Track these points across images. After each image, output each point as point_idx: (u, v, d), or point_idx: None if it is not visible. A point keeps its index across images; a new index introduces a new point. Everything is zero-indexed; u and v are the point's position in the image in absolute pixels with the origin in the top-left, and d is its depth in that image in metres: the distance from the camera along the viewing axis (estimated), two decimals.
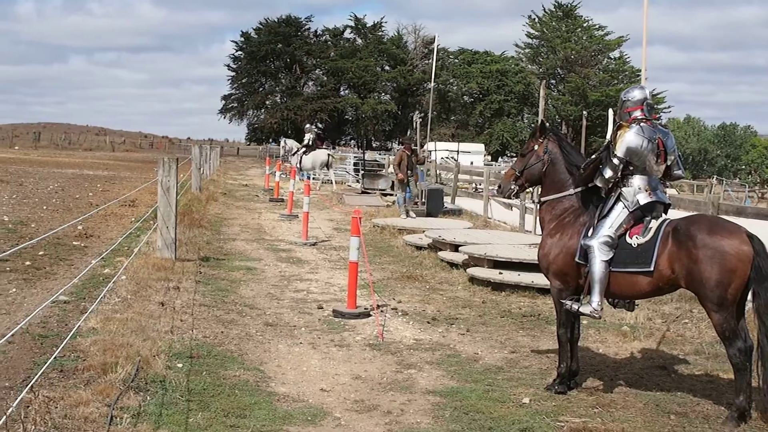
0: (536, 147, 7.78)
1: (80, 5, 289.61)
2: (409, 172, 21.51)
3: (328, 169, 35.63)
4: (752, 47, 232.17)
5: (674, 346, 9.21)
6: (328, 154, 36.36)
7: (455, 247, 14.57)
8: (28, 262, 12.01)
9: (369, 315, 10.18)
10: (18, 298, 9.84)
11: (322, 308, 10.64)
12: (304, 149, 35.32)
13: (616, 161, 7.17)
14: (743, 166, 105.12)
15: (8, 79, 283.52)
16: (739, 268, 6.52)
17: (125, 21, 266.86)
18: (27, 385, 6.09)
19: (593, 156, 7.50)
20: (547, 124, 8.11)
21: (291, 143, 37.37)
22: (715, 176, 72.45)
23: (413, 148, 22.99)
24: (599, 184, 7.37)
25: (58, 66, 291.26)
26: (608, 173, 7.24)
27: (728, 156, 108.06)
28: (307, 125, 40.31)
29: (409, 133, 22.71)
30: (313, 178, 33.97)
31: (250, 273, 13.08)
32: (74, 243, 14.35)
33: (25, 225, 16.39)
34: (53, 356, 6.78)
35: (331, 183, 35.00)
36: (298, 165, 33.88)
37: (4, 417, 5.36)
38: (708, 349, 8.99)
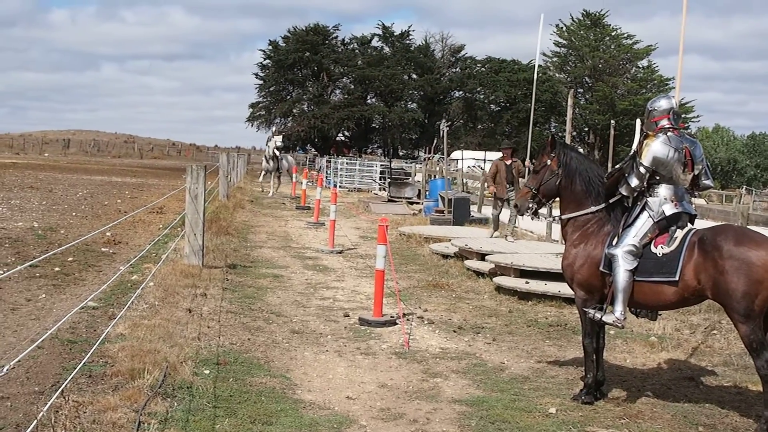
0: (549, 162, 7.75)
1: (113, 13, 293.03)
2: (508, 186, 17.80)
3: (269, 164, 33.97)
4: None
5: (702, 357, 9.14)
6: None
7: (482, 256, 14.54)
8: (57, 268, 12.13)
9: (395, 323, 10.18)
10: (47, 304, 9.93)
11: (348, 316, 10.66)
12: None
13: (642, 170, 7.16)
14: None
15: (40, 86, 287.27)
16: (766, 279, 6.47)
17: (158, 29, 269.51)
18: (56, 390, 6.16)
19: (617, 166, 7.48)
20: (558, 138, 8.08)
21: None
22: (745, 186, 71.78)
23: (513, 158, 18.25)
24: (624, 193, 7.36)
25: (90, 73, 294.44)
26: (634, 182, 7.22)
27: (758, 166, 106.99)
28: (273, 128, 40.14)
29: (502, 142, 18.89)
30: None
31: (277, 280, 13.13)
32: (103, 249, 14.47)
33: (55, 231, 16.54)
34: (82, 362, 6.84)
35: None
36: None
37: (35, 421, 5.41)
38: (737, 360, 8.92)
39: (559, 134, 9.38)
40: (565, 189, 7.65)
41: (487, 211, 25.25)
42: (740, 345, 9.17)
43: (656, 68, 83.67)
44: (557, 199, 7.93)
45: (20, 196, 24.77)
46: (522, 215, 8.11)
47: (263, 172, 34.36)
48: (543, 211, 8.22)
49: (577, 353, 9.06)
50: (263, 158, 34.07)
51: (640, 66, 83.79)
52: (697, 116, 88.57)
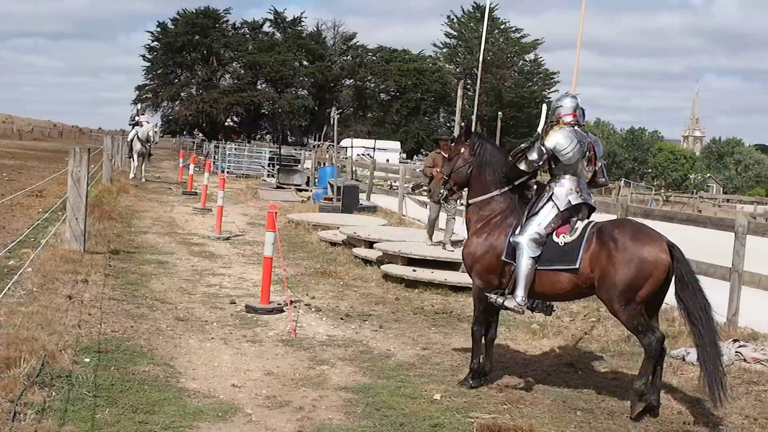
0: (463, 150, 7.84)
1: None
2: None
3: (144, 147, 31.00)
4: (670, 54, 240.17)
5: (581, 344, 9.42)
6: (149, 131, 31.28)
7: (370, 244, 14.60)
8: None
9: (282, 311, 10.13)
10: None
11: (234, 303, 10.55)
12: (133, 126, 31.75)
13: (544, 149, 7.33)
14: (649, 170, 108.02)
15: None
16: (654, 275, 6.75)
17: (45, 6, 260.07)
18: None
19: (521, 145, 7.61)
20: (471, 127, 8.19)
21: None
22: (623, 179, 74.25)
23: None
24: (523, 168, 7.50)
25: None
26: (533, 156, 7.39)
27: (635, 159, 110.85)
28: (139, 105, 37.16)
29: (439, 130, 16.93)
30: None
31: (162, 267, 12.89)
32: None
33: None
34: None
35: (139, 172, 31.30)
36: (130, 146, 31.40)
37: None
38: (614, 347, 9.22)
39: (462, 124, 9.25)
40: (475, 178, 7.74)
41: (377, 199, 25.38)
42: (617, 332, 9.55)
43: (542, 62, 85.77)
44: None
45: None
46: (434, 201, 8.26)
47: (137, 156, 31.21)
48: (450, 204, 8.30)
49: (462, 340, 9.22)
50: (135, 140, 30.72)
51: (527, 59, 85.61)
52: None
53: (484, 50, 17.47)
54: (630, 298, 6.78)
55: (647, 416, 6.89)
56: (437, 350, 8.91)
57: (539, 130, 7.57)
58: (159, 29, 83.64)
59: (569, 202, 7.35)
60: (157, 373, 7.36)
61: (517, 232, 7.33)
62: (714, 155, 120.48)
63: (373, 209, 22.54)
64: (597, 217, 7.88)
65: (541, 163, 7.41)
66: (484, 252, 7.54)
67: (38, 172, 29.84)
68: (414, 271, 12.53)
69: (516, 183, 7.62)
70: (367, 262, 14.02)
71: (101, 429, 5.86)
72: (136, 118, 31.80)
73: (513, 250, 7.29)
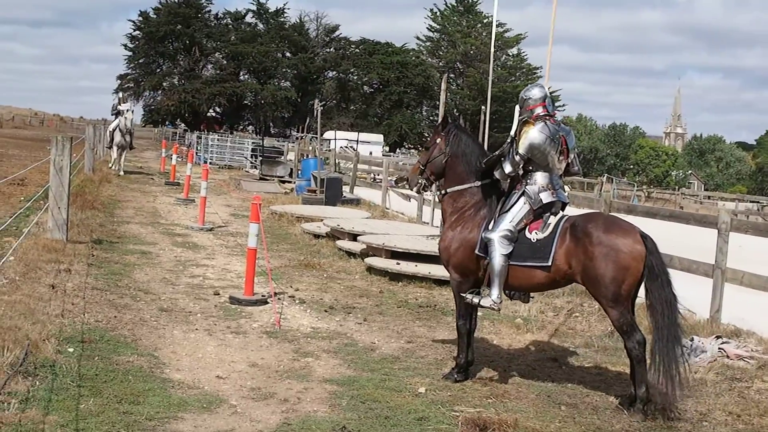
0: (439, 140, 7.87)
1: None
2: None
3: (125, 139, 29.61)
4: (652, 51, 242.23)
5: (565, 339, 9.45)
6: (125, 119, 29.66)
7: (353, 237, 14.58)
8: None
9: (266, 302, 10.11)
10: None
11: (218, 294, 10.52)
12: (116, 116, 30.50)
13: (517, 158, 7.33)
14: (631, 166, 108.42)
15: None
16: (632, 266, 6.76)
17: None
18: None
19: (497, 152, 7.61)
20: (449, 118, 8.21)
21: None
22: (606, 174, 74.53)
23: None
24: (498, 177, 7.53)
25: None
26: (508, 168, 7.38)
27: (617, 155, 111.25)
28: (120, 94, 34.62)
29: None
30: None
31: (145, 257, 12.83)
32: None
33: None
34: None
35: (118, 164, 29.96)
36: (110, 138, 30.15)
37: None
38: (597, 342, 9.25)
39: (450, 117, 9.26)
40: (450, 168, 7.75)
41: (360, 192, 25.35)
42: (600, 327, 9.58)
43: (525, 57, 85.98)
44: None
45: None
46: (412, 190, 8.31)
47: (117, 149, 29.92)
48: (421, 194, 8.33)
49: (446, 334, 9.23)
50: (117, 132, 29.45)
51: (510, 54, 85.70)
52: (563, 105, 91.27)
53: (491, 44, 17.71)
54: (616, 293, 6.79)
55: (624, 408, 6.94)
56: (421, 343, 8.92)
57: (512, 133, 7.53)
58: (141, 18, 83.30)
59: (541, 201, 7.34)
60: (141, 363, 7.33)
61: (489, 227, 7.34)
62: (695, 152, 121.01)
63: (356, 202, 22.53)
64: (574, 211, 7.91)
65: (519, 171, 7.41)
66: (459, 246, 7.55)
67: (19, 161, 29.62)
68: (398, 264, 12.53)
69: (487, 181, 7.63)
70: (350, 254, 14.01)
71: (85, 419, 5.82)
72: (118, 107, 31.18)
73: (486, 245, 7.30)
